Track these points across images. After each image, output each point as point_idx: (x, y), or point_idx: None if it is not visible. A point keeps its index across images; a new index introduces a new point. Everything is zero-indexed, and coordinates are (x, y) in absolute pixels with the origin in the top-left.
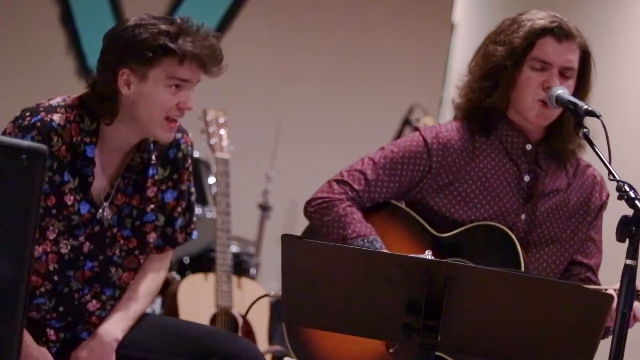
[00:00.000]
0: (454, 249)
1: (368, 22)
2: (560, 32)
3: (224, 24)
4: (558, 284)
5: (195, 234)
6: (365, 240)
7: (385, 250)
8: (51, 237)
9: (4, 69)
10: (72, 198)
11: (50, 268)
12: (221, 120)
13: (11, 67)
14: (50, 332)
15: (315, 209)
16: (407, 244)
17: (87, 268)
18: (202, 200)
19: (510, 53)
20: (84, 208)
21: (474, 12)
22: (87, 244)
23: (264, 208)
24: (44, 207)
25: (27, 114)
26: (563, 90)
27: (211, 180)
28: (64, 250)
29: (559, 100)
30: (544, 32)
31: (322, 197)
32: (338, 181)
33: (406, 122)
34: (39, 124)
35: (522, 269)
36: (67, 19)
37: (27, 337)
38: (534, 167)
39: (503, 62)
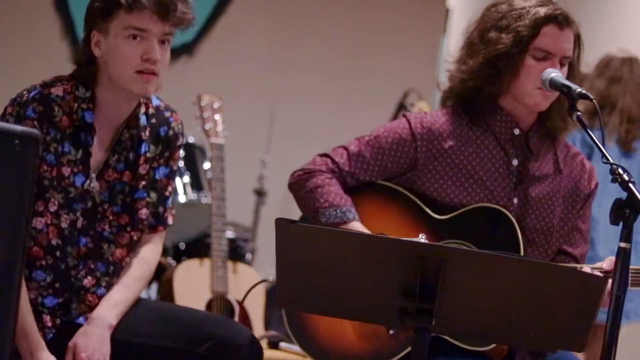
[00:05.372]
0: (453, 231)
1: (362, 7)
2: (562, 20)
3: (219, 9)
4: (552, 267)
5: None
6: (338, 210)
7: (359, 227)
8: (52, 210)
9: (1, 55)
10: (69, 170)
11: (53, 243)
12: (216, 105)
13: (6, 54)
14: (47, 318)
15: (295, 180)
16: (405, 225)
17: (82, 244)
18: (198, 186)
19: (518, 42)
20: (79, 180)
21: None
22: (81, 219)
23: (260, 193)
24: (49, 179)
25: (25, 91)
26: (557, 74)
27: (206, 165)
28: (64, 225)
29: (553, 84)
30: (547, 20)
31: (303, 168)
32: (321, 155)
33: (401, 106)
34: (37, 96)
35: (521, 251)
36: (62, 6)
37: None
38: (523, 152)
39: (509, 51)
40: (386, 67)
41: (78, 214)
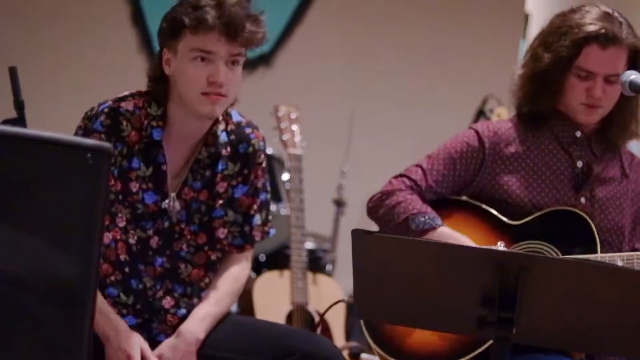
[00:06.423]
0: (530, 235)
1: (441, 12)
2: (605, 39)
3: (297, 16)
4: (636, 273)
5: (272, 231)
6: (427, 217)
7: (449, 232)
8: (120, 225)
9: (80, 69)
10: (137, 186)
11: (121, 258)
12: (293, 115)
13: (84, 68)
14: None
15: (375, 203)
16: (482, 236)
17: (158, 264)
18: (276, 197)
19: (557, 61)
20: (150, 198)
21: (548, 1)
22: (156, 238)
23: (339, 203)
24: (114, 193)
25: (96, 105)
26: (637, 75)
27: (285, 176)
28: (131, 241)
29: (633, 86)
30: (588, 40)
31: (381, 191)
32: (396, 176)
33: (480, 113)
34: (106, 109)
35: (599, 251)
36: (138, 19)
37: (119, 322)
38: (587, 154)
39: (550, 70)
40: (465, 72)
41: (150, 232)
